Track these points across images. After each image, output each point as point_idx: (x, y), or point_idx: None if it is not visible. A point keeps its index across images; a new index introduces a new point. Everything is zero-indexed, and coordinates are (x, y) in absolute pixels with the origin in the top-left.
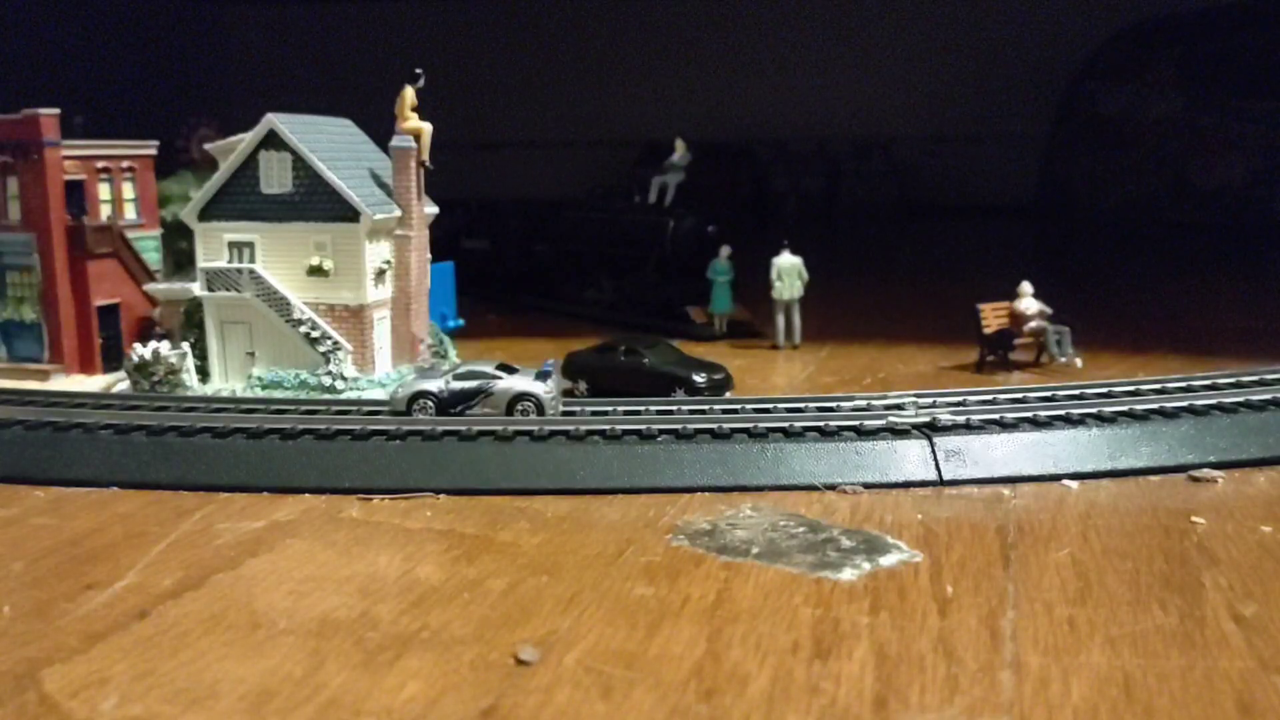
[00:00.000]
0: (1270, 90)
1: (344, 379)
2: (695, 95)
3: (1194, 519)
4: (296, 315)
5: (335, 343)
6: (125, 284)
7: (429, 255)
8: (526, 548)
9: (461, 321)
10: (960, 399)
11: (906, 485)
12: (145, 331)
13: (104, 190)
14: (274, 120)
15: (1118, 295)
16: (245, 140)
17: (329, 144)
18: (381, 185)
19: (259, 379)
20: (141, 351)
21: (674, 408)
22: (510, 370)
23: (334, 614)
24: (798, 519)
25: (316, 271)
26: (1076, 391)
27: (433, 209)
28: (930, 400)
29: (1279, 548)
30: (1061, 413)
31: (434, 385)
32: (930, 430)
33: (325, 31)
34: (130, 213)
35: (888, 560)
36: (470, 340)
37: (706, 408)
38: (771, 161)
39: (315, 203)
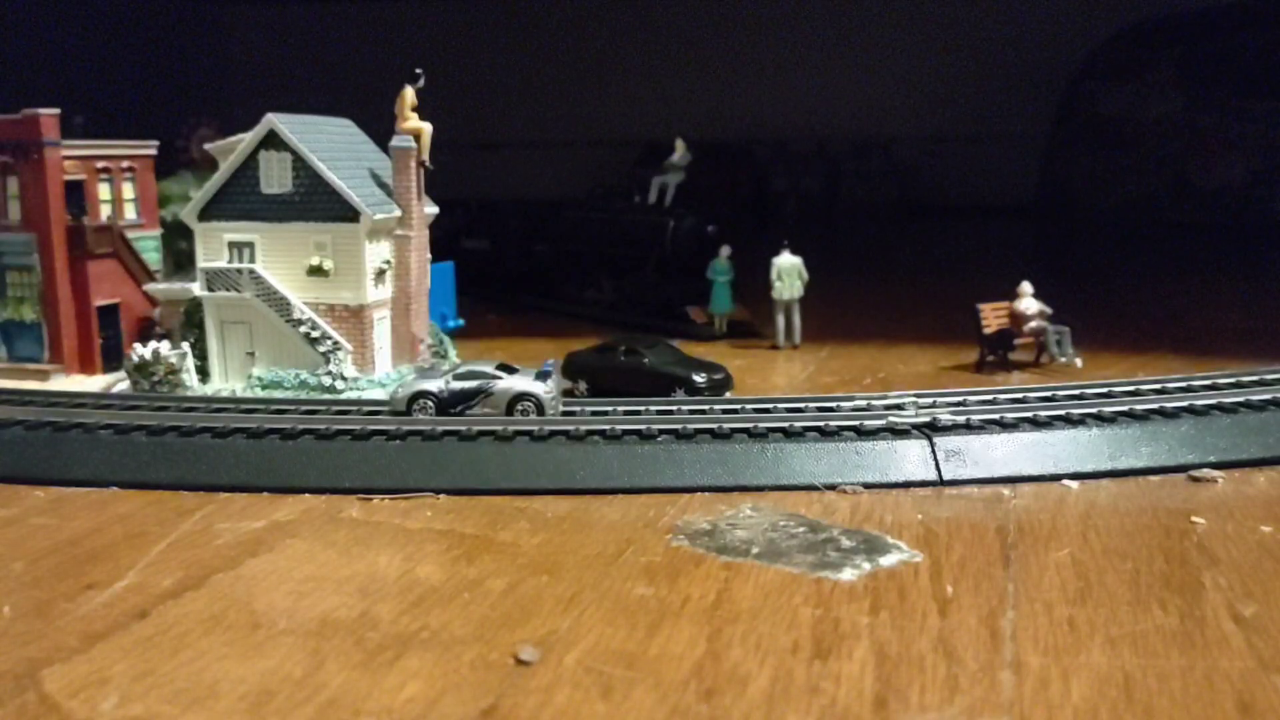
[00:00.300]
0: (1270, 90)
1: (344, 379)
2: (695, 95)
3: (1194, 519)
4: (296, 315)
5: (335, 343)
6: (125, 284)
7: (429, 255)
8: (526, 548)
9: (461, 321)
10: (960, 399)
11: (906, 485)
12: (145, 331)
13: (104, 190)
14: (274, 120)
15: (1118, 295)
16: (245, 140)
17: (329, 144)
18: (381, 185)
19: (259, 379)
20: (141, 351)
21: (674, 408)
22: (510, 370)
23: (334, 614)
24: (798, 519)
25: (316, 271)
26: (1076, 391)
27: (433, 209)
28: (930, 400)
29: (1279, 548)
30: (1061, 413)
31: (434, 385)
32: (930, 430)
33: (325, 31)
34: (130, 213)
35: (888, 560)
36: (470, 340)
37: (706, 408)
38: (771, 161)
39: (315, 203)
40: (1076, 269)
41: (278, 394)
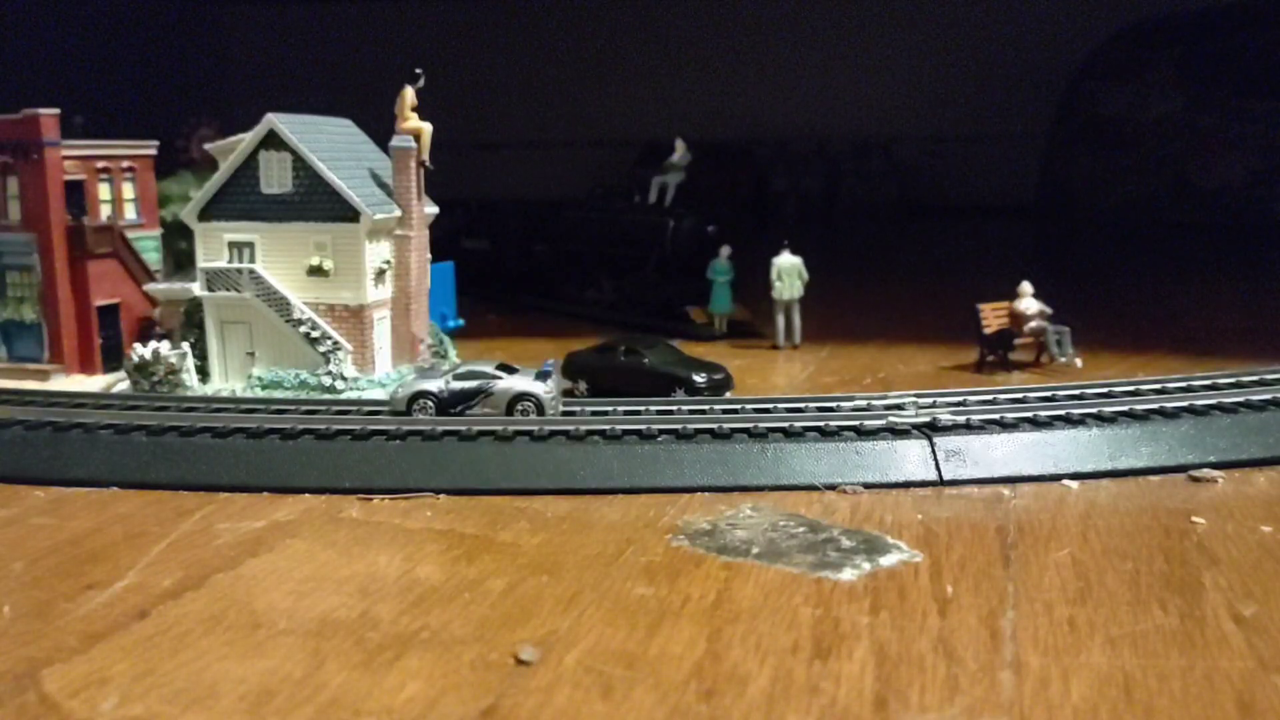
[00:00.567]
0: (1270, 90)
1: (344, 379)
2: (695, 95)
3: (1194, 519)
4: (296, 315)
5: (335, 343)
6: (125, 284)
7: (429, 255)
8: (526, 548)
9: (461, 321)
10: (960, 399)
11: (906, 485)
12: (145, 331)
13: (104, 190)
14: (274, 120)
15: (1118, 295)
16: (245, 140)
17: (329, 144)
18: (381, 185)
19: (259, 379)
20: (141, 351)
21: (674, 408)
22: (510, 370)
23: (334, 614)
24: (798, 519)
25: (316, 271)
26: (1076, 391)
27: (433, 209)
28: (930, 400)
29: (1279, 548)
30: (1061, 413)
31: (434, 385)
32: (930, 430)
33: (325, 31)
34: (130, 213)
35: (888, 560)
36: (470, 340)
37: (706, 408)
38: (771, 161)
39: (315, 203)
40: (1076, 269)
41: (278, 394)
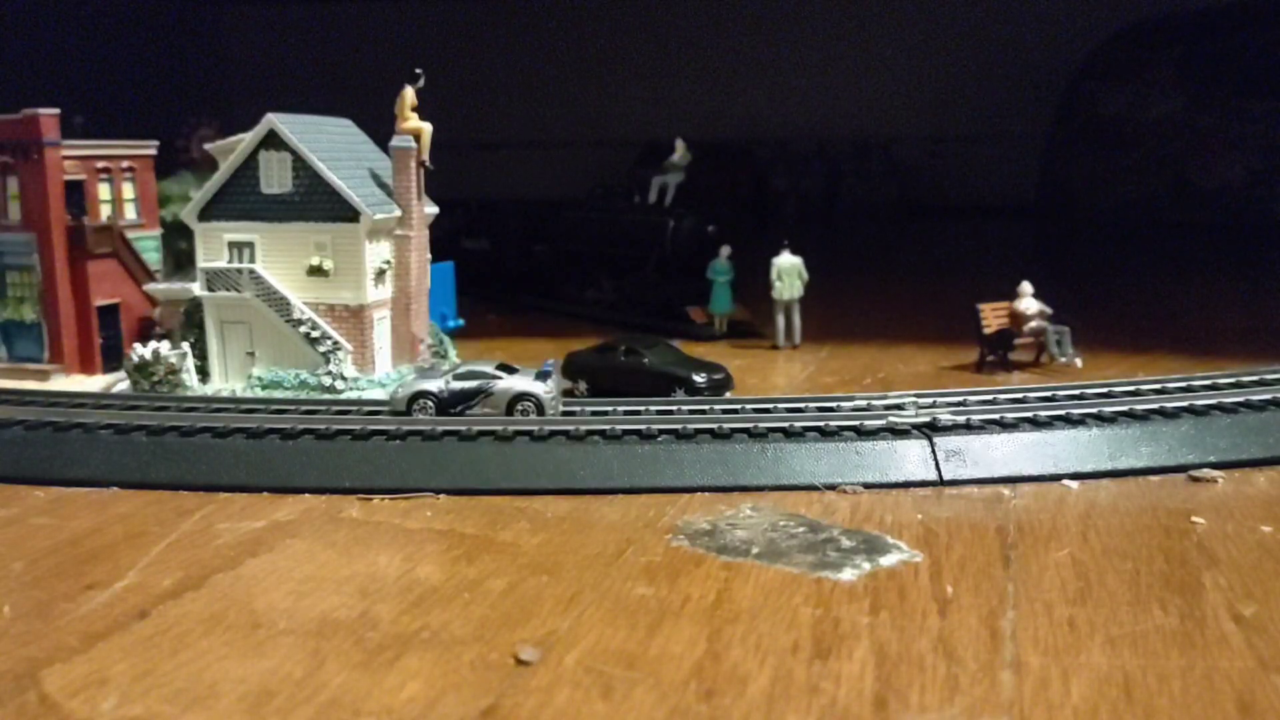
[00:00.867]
0: (1270, 90)
1: (344, 379)
2: (695, 95)
3: (1194, 519)
4: (296, 315)
5: (335, 343)
6: (125, 284)
7: (429, 255)
8: (526, 548)
9: (461, 321)
10: (960, 399)
11: (906, 485)
12: (145, 331)
13: (104, 190)
14: (274, 120)
15: (1118, 295)
16: (245, 140)
17: (329, 144)
18: (381, 185)
19: (259, 379)
20: (141, 351)
21: (674, 408)
22: (510, 370)
23: (334, 614)
24: (798, 519)
25: (316, 271)
26: (1076, 391)
27: (433, 209)
28: (930, 400)
29: (1279, 548)
30: (1061, 413)
31: (434, 385)
32: (930, 430)
33: (325, 31)
34: (130, 213)
35: (888, 560)
36: (470, 340)
37: (706, 408)
38: (771, 161)
39: (315, 203)
40: (1076, 269)
41: (278, 394)
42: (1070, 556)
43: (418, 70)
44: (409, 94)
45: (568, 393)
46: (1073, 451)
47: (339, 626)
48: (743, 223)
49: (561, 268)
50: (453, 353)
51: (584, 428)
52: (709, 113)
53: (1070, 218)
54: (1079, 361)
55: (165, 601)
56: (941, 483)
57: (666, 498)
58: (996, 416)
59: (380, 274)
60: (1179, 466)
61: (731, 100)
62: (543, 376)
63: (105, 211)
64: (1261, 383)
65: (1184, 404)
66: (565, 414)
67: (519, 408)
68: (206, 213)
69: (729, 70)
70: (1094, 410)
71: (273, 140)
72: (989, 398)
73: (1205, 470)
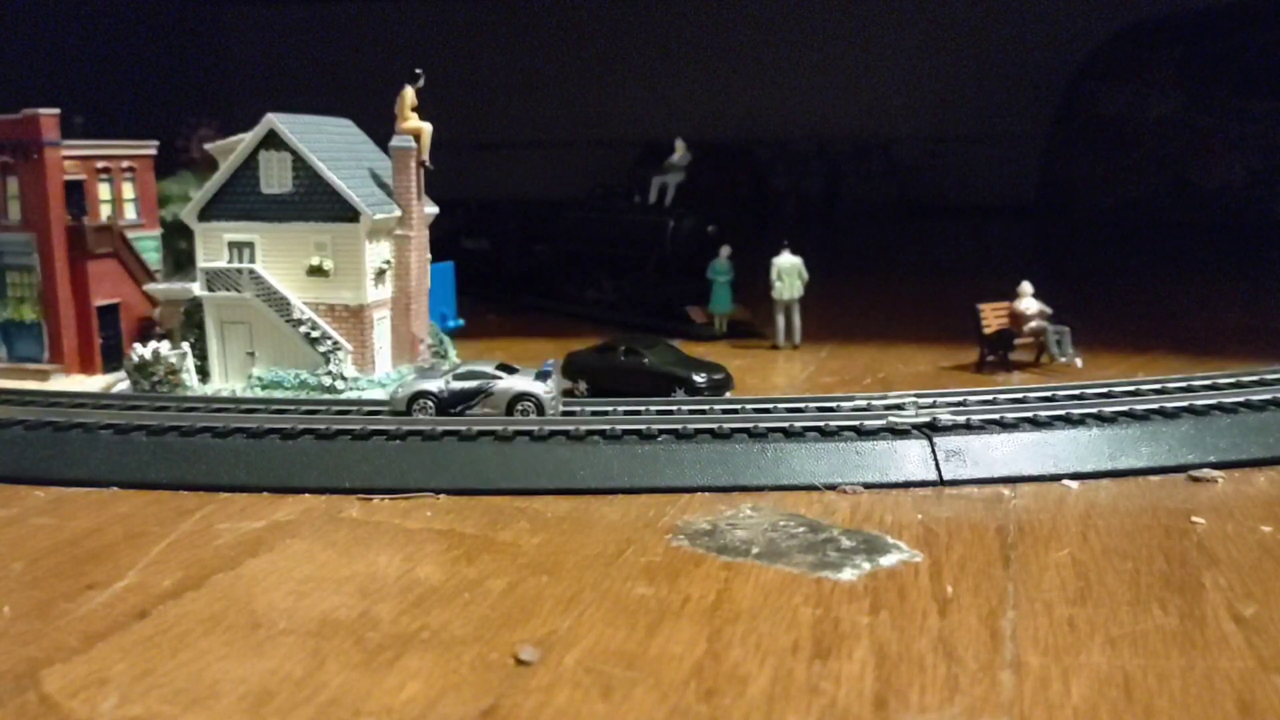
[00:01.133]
0: (1270, 90)
1: (344, 379)
2: (695, 95)
3: (1194, 519)
4: (296, 315)
5: (335, 343)
6: (125, 284)
7: (429, 255)
8: (526, 548)
9: (461, 321)
10: (960, 399)
11: (906, 485)
12: (145, 331)
13: (104, 190)
14: (274, 120)
15: (1118, 295)
16: (245, 140)
17: (329, 144)
18: (381, 185)
19: (259, 379)
20: (141, 351)
21: (674, 408)
22: (510, 370)
23: (334, 614)
24: (798, 519)
25: (316, 271)
26: (1076, 391)
27: (433, 209)
28: (930, 400)
29: (1279, 548)
30: (1061, 413)
31: (434, 385)
32: (930, 430)
33: (325, 31)
34: (130, 213)
35: (888, 560)
36: (470, 340)
37: (706, 408)
38: (771, 161)
39: (315, 203)
40: (1076, 269)
41: (278, 394)
42: (1070, 556)
43: (418, 70)
44: (409, 94)
45: (568, 393)
46: (1073, 451)
47: (339, 626)
48: (743, 223)
49: (561, 268)
50: (453, 353)
51: (584, 428)
52: (709, 113)
53: (1070, 218)
54: (1079, 361)
55: (165, 601)
56: (941, 483)
57: (666, 498)
58: (996, 416)
59: (380, 274)
60: (1179, 466)
61: (731, 100)
62: (543, 376)
63: (105, 211)
64: (1261, 383)
65: (1184, 404)
66: (565, 414)
67: (519, 408)
68: (206, 213)
69: (729, 70)
70: (1094, 410)
71: (273, 140)
72: (989, 398)
73: (1205, 470)
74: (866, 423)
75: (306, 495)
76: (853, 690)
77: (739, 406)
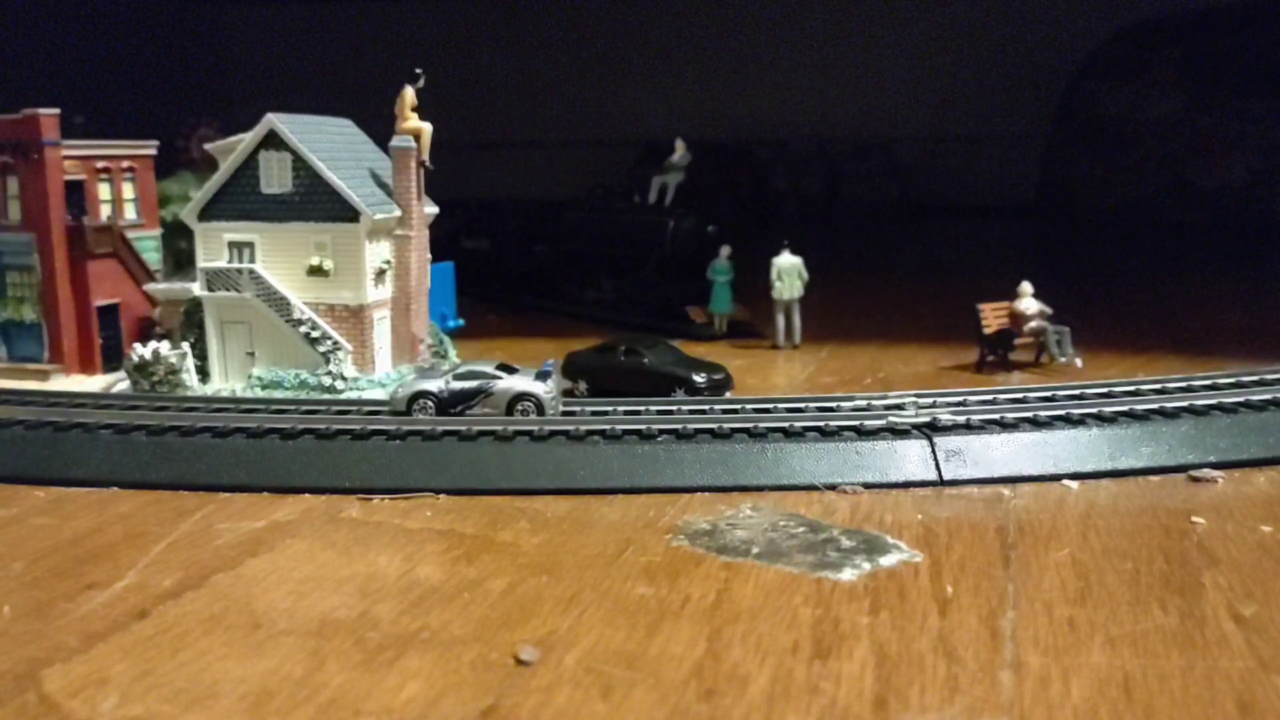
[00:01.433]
0: (1270, 90)
1: (344, 379)
2: (695, 95)
3: (1194, 519)
4: (296, 315)
5: (335, 343)
6: (125, 284)
7: (429, 255)
8: (526, 548)
9: (461, 321)
10: (960, 399)
11: (906, 485)
12: (145, 331)
13: (104, 190)
14: (274, 120)
15: (1118, 295)
16: (245, 140)
17: (329, 144)
18: (381, 185)
19: (259, 379)
20: (141, 351)
21: (674, 408)
22: (510, 370)
23: (334, 614)
24: (798, 519)
25: (316, 271)
26: (1076, 391)
27: (433, 209)
28: (930, 400)
29: (1279, 548)
30: (1061, 413)
31: (434, 385)
32: (930, 430)
33: (325, 31)
34: (130, 213)
35: (888, 560)
36: (470, 340)
37: (706, 408)
38: (771, 161)
39: (315, 203)
40: (1076, 269)
41: (278, 394)
42: (1070, 556)
43: (418, 70)
44: (409, 94)
45: (568, 393)
46: (1073, 451)
47: (339, 626)
48: (743, 223)
49: (561, 268)
50: (453, 353)
51: (584, 428)
52: (709, 113)
53: (1070, 218)
54: (1079, 361)
55: (165, 601)
56: (941, 483)
57: (666, 498)
58: (996, 416)
59: (380, 274)
60: (1179, 466)
61: (731, 100)
62: (543, 376)
63: (105, 211)
64: (1261, 383)
65: (1184, 404)
66: (565, 414)
67: (519, 408)
68: (206, 213)
69: (729, 70)
70: (1094, 410)
71: (273, 140)
72: (989, 398)
73: (1205, 470)
74: (866, 423)
75: (306, 495)
76: (853, 690)
77: (739, 406)
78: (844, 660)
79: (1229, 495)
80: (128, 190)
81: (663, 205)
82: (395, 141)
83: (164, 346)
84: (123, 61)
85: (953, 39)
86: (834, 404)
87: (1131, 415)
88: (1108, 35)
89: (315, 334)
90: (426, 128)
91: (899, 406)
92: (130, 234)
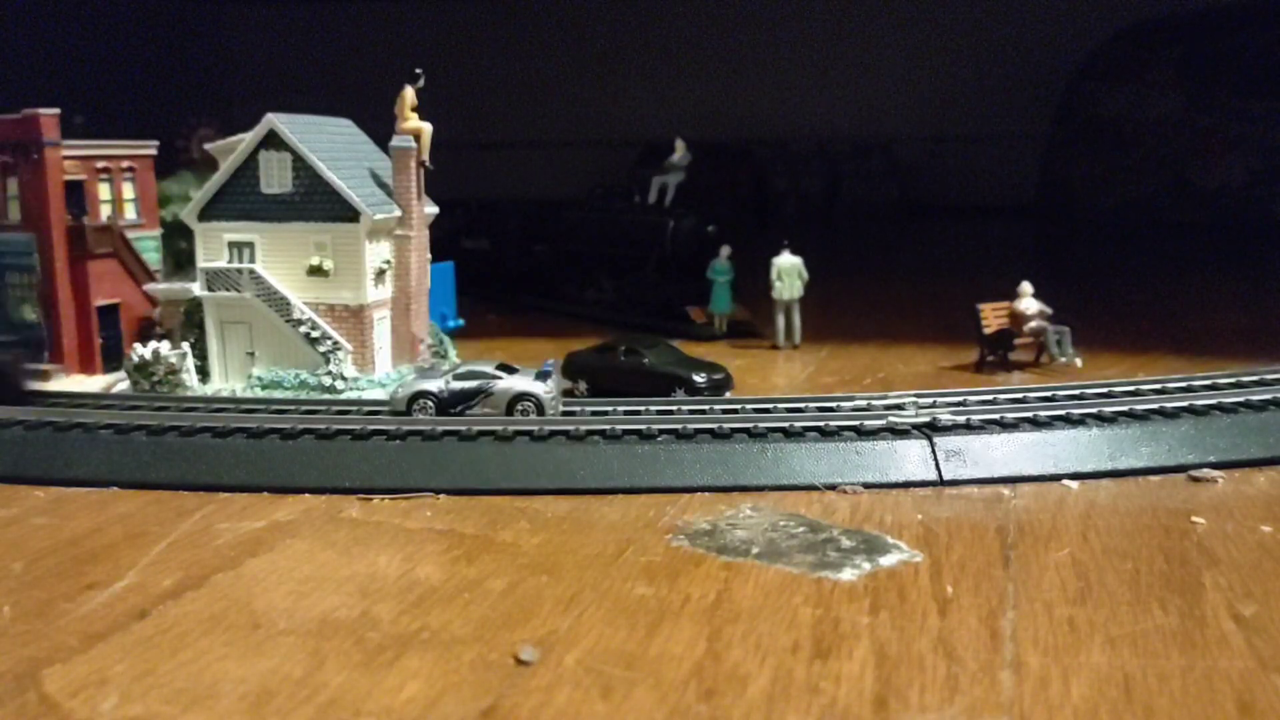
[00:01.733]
0: (1270, 90)
1: (344, 379)
2: (695, 95)
3: (1194, 519)
4: (296, 315)
5: (335, 343)
6: (125, 284)
7: (429, 255)
8: (526, 548)
9: (461, 321)
10: (960, 399)
11: (906, 485)
12: (145, 331)
13: (104, 190)
14: (274, 120)
15: (1118, 295)
16: (245, 140)
17: (329, 144)
18: (381, 185)
19: (259, 379)
20: (141, 351)
21: (674, 408)
22: (510, 370)
23: (334, 614)
24: (798, 519)
25: (316, 271)
26: (1076, 391)
27: (433, 209)
28: (930, 400)
29: (1279, 548)
30: (1061, 413)
31: (434, 385)
32: (930, 430)
33: (325, 31)
34: (130, 213)
35: (888, 560)
36: (470, 340)
37: (706, 408)
38: (771, 161)
39: (315, 203)
40: (1076, 269)
41: (278, 394)
42: (1070, 556)
43: (418, 70)
44: (409, 94)
45: (568, 393)
46: (1073, 451)
47: (339, 626)
48: (743, 223)
49: (561, 268)
50: (453, 353)
51: (584, 428)
52: (709, 113)
53: (1070, 218)
54: (1079, 361)
55: (165, 601)
56: (941, 483)
57: (666, 498)
58: (996, 416)
59: (380, 274)
60: (1179, 466)
61: (731, 100)
62: (543, 376)
63: (105, 211)
64: (1261, 383)
65: (1184, 404)
66: (565, 414)
67: (519, 408)
68: (206, 213)
69: (729, 70)
70: (1094, 410)
71: (273, 140)
72: (989, 398)
73: (1205, 470)
74: (866, 423)
75: (306, 495)
76: (853, 690)
77: (739, 406)
78: (844, 660)
79: (1229, 495)
80: (128, 190)
81: (663, 205)
82: (395, 141)
83: (164, 346)
84: (123, 61)
85: (953, 39)
86: (834, 404)
87: (1131, 415)
88: (1108, 35)
89: (315, 334)
90: (426, 128)
91: (899, 406)
92: (130, 234)
